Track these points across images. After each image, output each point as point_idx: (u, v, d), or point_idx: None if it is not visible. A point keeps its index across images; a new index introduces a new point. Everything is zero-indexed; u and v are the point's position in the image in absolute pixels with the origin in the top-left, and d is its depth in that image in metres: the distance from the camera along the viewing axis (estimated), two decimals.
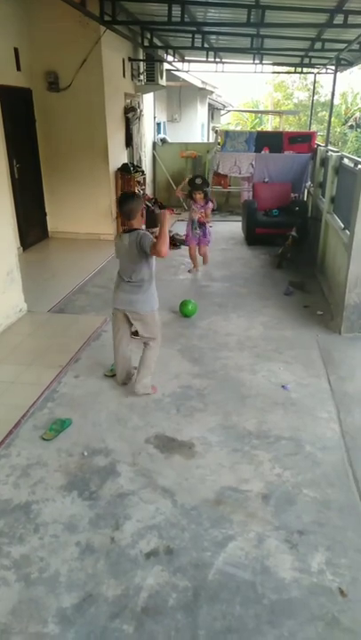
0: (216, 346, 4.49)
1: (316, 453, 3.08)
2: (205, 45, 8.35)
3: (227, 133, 9.41)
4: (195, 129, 14.39)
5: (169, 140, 11.60)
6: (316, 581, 2.24)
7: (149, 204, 9.09)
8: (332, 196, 6.25)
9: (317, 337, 4.69)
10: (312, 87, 12.94)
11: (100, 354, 4.27)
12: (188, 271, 6.60)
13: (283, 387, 3.82)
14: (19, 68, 6.74)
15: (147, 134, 10.33)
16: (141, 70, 8.91)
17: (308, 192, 8.82)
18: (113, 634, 2.00)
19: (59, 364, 4.04)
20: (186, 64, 10.82)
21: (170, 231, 8.66)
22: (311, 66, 10.06)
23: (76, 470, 2.90)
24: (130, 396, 3.66)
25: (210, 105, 17.02)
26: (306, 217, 7.86)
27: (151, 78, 9.06)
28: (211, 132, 16.56)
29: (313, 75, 11.43)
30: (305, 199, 8.93)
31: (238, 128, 22.93)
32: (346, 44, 7.06)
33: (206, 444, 3.15)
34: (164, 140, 11.33)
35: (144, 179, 9.22)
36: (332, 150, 7.23)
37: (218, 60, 10.05)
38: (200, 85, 13.07)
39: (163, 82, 9.43)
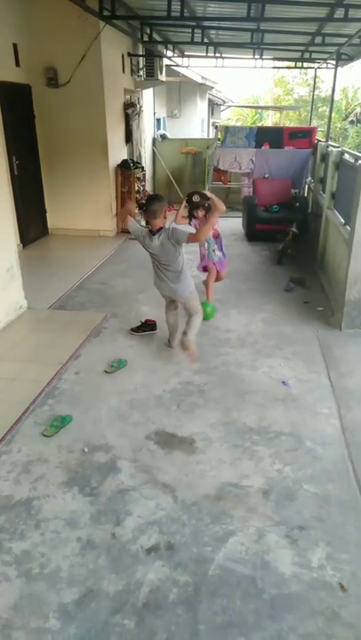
0: (217, 342, 4.49)
1: (316, 449, 3.09)
2: (205, 40, 8.31)
3: (227, 129, 9.38)
4: (195, 125, 14.35)
5: (169, 136, 11.56)
6: (316, 576, 2.25)
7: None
8: (332, 191, 6.23)
9: (318, 333, 4.69)
10: (312, 82, 12.88)
11: (101, 350, 4.28)
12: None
13: (283, 383, 3.82)
14: (18, 64, 6.71)
15: (146, 130, 10.30)
16: (141, 66, 8.88)
17: (309, 188, 8.80)
18: (114, 629, 2.01)
19: (59, 361, 4.04)
20: (186, 59, 10.77)
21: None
22: (312, 61, 10.02)
23: (77, 466, 2.90)
24: (130, 393, 3.67)
25: (210, 100, 16.96)
26: (306, 213, 7.85)
27: (151, 74, 9.03)
28: (211, 127, 16.51)
29: (313, 70, 11.38)
30: (305, 195, 8.91)
31: (238, 124, 22.84)
32: (346, 39, 7.03)
33: (207, 440, 3.15)
34: (163, 136, 11.30)
35: (144, 175, 9.19)
36: (332, 146, 7.20)
37: (218, 55, 10.01)
38: (200, 81, 13.02)
39: (162, 77, 9.39)
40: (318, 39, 7.56)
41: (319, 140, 8.65)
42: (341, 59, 8.74)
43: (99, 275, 6.27)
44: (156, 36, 8.63)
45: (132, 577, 2.23)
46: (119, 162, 8.10)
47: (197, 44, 8.28)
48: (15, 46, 6.60)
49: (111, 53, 7.45)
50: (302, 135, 9.02)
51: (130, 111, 8.58)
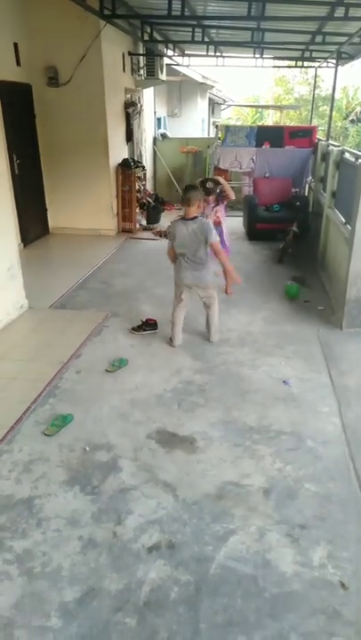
0: (217, 341, 4.49)
1: (317, 448, 3.09)
2: (206, 39, 8.29)
3: (227, 128, 9.37)
4: (195, 124, 14.33)
5: (169, 135, 11.55)
6: (317, 575, 2.25)
7: (150, 201, 9.08)
8: (333, 190, 6.22)
9: (318, 332, 4.69)
10: (313, 81, 12.85)
11: (102, 349, 4.28)
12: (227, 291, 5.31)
13: (284, 382, 3.82)
14: (18, 64, 6.71)
15: (147, 129, 10.29)
16: (141, 65, 8.87)
17: (310, 187, 8.79)
18: (115, 627, 2.02)
19: (60, 360, 4.04)
20: (186, 58, 10.76)
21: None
22: (312, 60, 10.00)
23: (78, 465, 2.91)
24: (131, 392, 3.68)
25: (210, 100, 16.93)
26: (307, 212, 7.84)
27: (151, 73, 9.01)
28: (211, 126, 16.48)
29: (314, 69, 11.36)
30: (306, 194, 8.90)
31: (239, 123, 22.82)
32: (347, 37, 7.01)
33: (207, 439, 3.16)
34: (164, 135, 11.29)
35: (144, 174, 9.19)
36: (333, 145, 7.19)
37: (218, 54, 9.99)
38: (200, 80, 13.00)
39: (163, 76, 9.38)
40: (319, 38, 7.54)
41: (320, 140, 8.64)
42: (342, 58, 8.73)
43: (100, 274, 6.28)
44: (156, 35, 8.62)
45: (133, 576, 2.23)
46: (120, 161, 8.09)
47: (198, 43, 8.26)
48: (16, 45, 6.60)
49: (112, 52, 7.44)
50: (303, 134, 9.01)
51: (130, 110, 8.58)
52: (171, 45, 9.64)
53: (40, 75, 7.12)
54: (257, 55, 9.72)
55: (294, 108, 22.26)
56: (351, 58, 8.89)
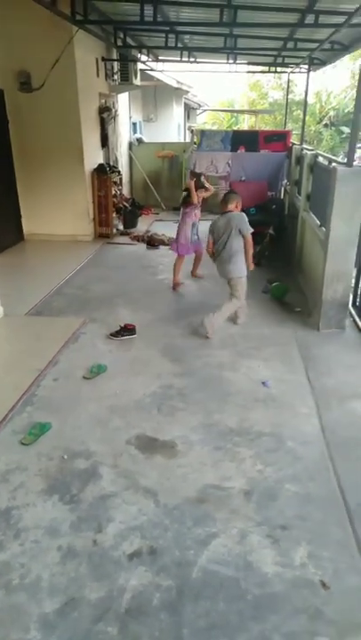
0: (197, 345, 4.49)
1: (296, 448, 3.11)
2: (179, 45, 8.34)
3: (203, 133, 9.43)
4: (171, 128, 14.39)
5: (145, 140, 11.57)
6: (298, 575, 2.26)
7: (127, 205, 9.06)
8: (307, 193, 6.32)
9: (296, 333, 4.74)
10: (286, 86, 13.04)
11: (80, 356, 4.24)
12: (173, 288, 5.96)
13: (263, 383, 3.85)
14: None
15: (123, 134, 10.29)
16: (115, 70, 8.86)
17: (285, 190, 8.91)
18: (97, 637, 1.98)
19: (37, 368, 3.99)
20: (160, 64, 10.80)
21: (148, 231, 8.66)
22: (285, 65, 10.16)
23: (57, 474, 2.86)
24: (110, 398, 3.64)
25: (186, 105, 17.04)
26: (283, 215, 7.94)
27: (125, 78, 9.02)
28: (187, 131, 16.58)
29: (287, 74, 11.54)
30: (282, 197, 9.01)
31: (215, 127, 23.03)
32: (318, 44, 7.15)
33: (188, 443, 3.15)
34: (140, 140, 11.30)
35: (121, 179, 9.18)
36: (306, 149, 7.31)
37: (192, 59, 10.06)
38: (175, 85, 13.06)
39: (137, 82, 9.39)
40: (290, 44, 7.67)
41: (294, 144, 8.77)
42: (314, 63, 8.89)
43: (76, 279, 6.22)
44: (129, 41, 8.63)
45: (114, 583, 2.21)
46: (95, 166, 8.06)
47: (171, 49, 8.30)
48: None
49: (85, 58, 7.42)
50: (277, 138, 9.13)
51: (105, 115, 8.56)
52: (145, 51, 9.66)
53: (12, 80, 7.05)
54: (230, 61, 9.83)
55: (269, 112, 22.59)
56: (323, 63, 9.06)
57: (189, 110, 18.62)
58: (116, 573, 2.25)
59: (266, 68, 11.55)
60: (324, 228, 4.89)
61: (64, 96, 7.12)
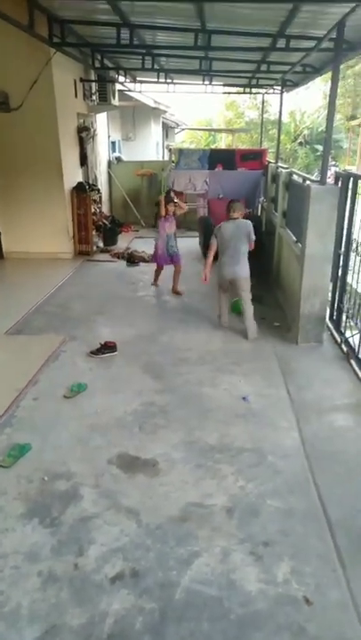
0: (177, 361, 4.51)
1: (277, 463, 3.13)
2: (156, 67, 8.52)
3: (180, 151, 9.59)
4: (150, 147, 14.59)
5: (124, 159, 11.69)
6: (281, 591, 2.26)
7: (107, 223, 9.11)
8: (283, 210, 6.46)
9: (275, 348, 4.80)
10: (261, 106, 13.41)
11: (60, 375, 4.20)
12: (152, 284, 6.71)
13: (243, 398, 3.87)
14: None
15: (101, 153, 10.38)
16: (94, 90, 8.98)
17: (262, 207, 9.08)
18: None
19: (16, 387, 3.94)
20: (138, 84, 10.99)
21: (128, 248, 8.70)
22: (259, 86, 10.44)
23: (37, 496, 2.82)
24: (91, 417, 3.62)
25: (164, 124, 17.32)
26: (260, 231, 8.04)
27: (104, 98, 9.14)
28: (165, 150, 16.82)
29: (262, 95, 11.87)
30: (259, 214, 9.18)
31: (193, 146, 23.40)
32: (290, 66, 7.39)
33: (170, 461, 3.14)
34: (119, 159, 11.41)
35: (100, 197, 9.22)
36: (282, 167, 7.49)
37: (169, 80, 10.27)
38: (153, 105, 13.29)
39: (115, 102, 9.53)
40: (264, 67, 7.90)
41: (270, 162, 8.98)
42: (287, 85, 9.18)
43: (57, 297, 6.20)
44: (107, 63, 8.77)
45: (96, 608, 2.17)
46: (75, 184, 8.09)
47: (148, 71, 8.47)
48: None
49: (63, 79, 7.51)
50: (253, 157, 9.35)
51: (84, 135, 8.64)
52: (122, 72, 9.83)
53: None
54: (206, 82, 10.06)
55: (245, 131, 23.10)
56: (295, 85, 9.35)
57: (167, 129, 18.92)
58: (97, 597, 2.22)
59: (241, 89, 11.86)
60: (300, 244, 4.99)
61: (43, 116, 7.18)
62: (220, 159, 9.30)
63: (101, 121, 10.32)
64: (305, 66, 7.31)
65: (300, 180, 5.77)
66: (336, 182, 4.82)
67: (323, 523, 2.65)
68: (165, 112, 15.99)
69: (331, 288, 5.02)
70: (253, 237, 5.03)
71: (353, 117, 23.97)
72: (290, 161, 22.97)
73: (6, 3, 5.05)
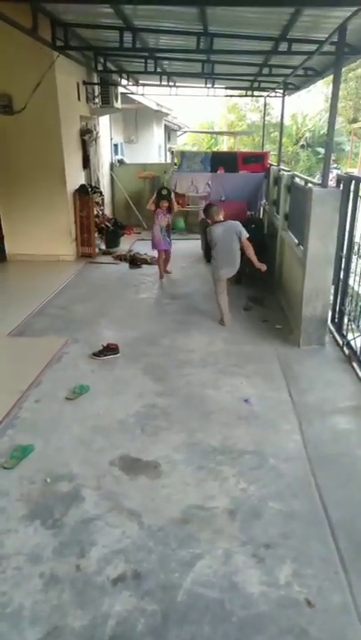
0: (179, 363, 4.51)
1: (279, 465, 3.13)
2: (158, 70, 8.56)
3: (183, 154, 9.62)
4: (152, 150, 14.62)
5: (127, 161, 11.72)
6: (283, 594, 2.26)
7: (109, 225, 9.13)
8: (285, 213, 6.47)
9: (277, 350, 4.80)
10: (263, 109, 13.43)
11: (62, 376, 4.21)
12: (160, 277, 7.14)
13: (245, 401, 3.87)
14: None
15: (104, 155, 10.41)
16: (96, 93, 9.02)
17: (264, 210, 9.09)
18: None
19: (19, 389, 3.95)
20: (140, 87, 11.03)
21: (130, 250, 8.72)
22: (261, 89, 10.48)
23: (39, 498, 2.82)
24: (93, 419, 3.62)
25: (166, 126, 17.36)
26: (262, 234, 8.08)
27: (106, 101, 9.18)
28: (168, 152, 16.86)
29: (264, 97, 11.89)
30: (261, 217, 9.19)
31: (195, 149, 23.46)
32: (292, 70, 7.41)
33: (171, 463, 3.14)
34: (121, 161, 11.44)
35: (102, 199, 9.26)
36: (284, 169, 7.50)
37: (171, 83, 10.31)
38: (155, 108, 13.32)
39: (118, 105, 9.56)
40: (266, 70, 7.93)
41: (271, 164, 8.99)
42: (288, 88, 9.20)
43: (59, 300, 6.21)
44: (110, 66, 8.81)
45: (98, 610, 2.17)
46: (77, 187, 8.12)
47: (151, 74, 8.51)
48: None
49: (66, 82, 7.54)
50: (255, 159, 9.36)
51: (87, 137, 8.67)
52: (125, 75, 9.87)
53: None
54: (209, 85, 10.10)
55: (247, 134, 23.14)
56: (297, 88, 9.37)
57: (170, 132, 18.96)
58: (99, 599, 2.22)
59: (243, 92, 11.89)
60: (302, 247, 5.00)
61: (46, 119, 7.21)
62: (222, 162, 9.32)
63: (104, 124, 10.36)
64: (307, 69, 7.33)
65: (302, 183, 5.78)
66: (338, 185, 4.82)
67: (325, 525, 2.65)
68: (168, 115, 16.03)
69: (333, 290, 5.02)
70: (246, 234, 5.15)
71: (355, 120, 24.02)
72: (292, 164, 22.99)
73: (10, 6, 5.09)
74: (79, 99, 8.32)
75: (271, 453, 3.24)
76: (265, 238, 7.91)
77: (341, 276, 4.96)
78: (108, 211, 10.30)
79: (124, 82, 10.13)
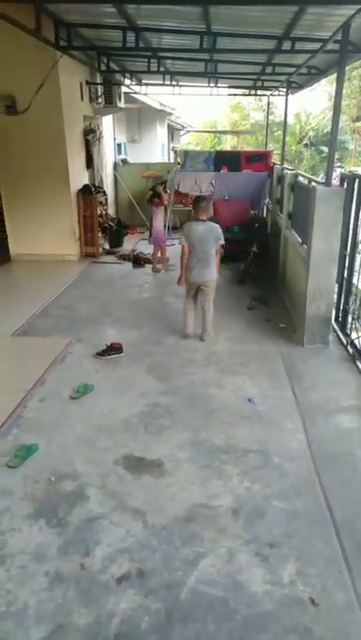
0: (182, 362, 4.52)
1: (283, 464, 3.13)
2: (161, 69, 8.54)
3: (186, 153, 9.61)
4: (155, 149, 14.62)
5: (130, 161, 11.72)
6: (287, 593, 2.26)
7: (113, 225, 9.14)
8: (289, 212, 6.46)
9: (281, 349, 4.79)
10: (267, 108, 13.41)
11: (66, 376, 4.22)
12: (166, 270, 7.54)
13: (249, 400, 3.87)
14: None
15: (107, 155, 10.42)
16: (100, 93, 9.03)
17: (267, 209, 9.08)
18: None
19: (23, 389, 3.96)
20: (144, 87, 11.02)
21: (134, 250, 8.73)
22: (264, 88, 10.44)
23: (43, 497, 2.84)
24: (97, 418, 3.63)
25: (169, 126, 17.36)
26: (266, 233, 8.07)
27: (110, 101, 9.19)
28: (171, 152, 16.85)
29: (267, 97, 11.87)
30: (264, 216, 9.18)
31: (198, 148, 23.44)
32: (295, 68, 7.39)
33: (175, 462, 3.15)
34: (125, 161, 11.45)
35: (106, 199, 9.27)
36: (287, 168, 7.49)
37: (174, 83, 10.30)
38: (158, 107, 13.33)
39: (121, 104, 9.57)
40: (269, 69, 7.90)
41: (275, 163, 8.98)
42: (292, 87, 9.16)
43: (63, 299, 6.23)
44: (113, 66, 8.81)
45: (102, 608, 2.18)
46: (81, 187, 8.14)
47: (154, 73, 8.49)
48: None
49: (69, 82, 7.55)
50: (258, 158, 9.33)
51: (90, 137, 8.68)
52: (128, 75, 9.87)
53: None
54: (212, 84, 10.08)
55: (250, 133, 23.10)
56: (300, 87, 9.34)
57: (173, 131, 18.96)
58: (104, 598, 2.23)
59: (246, 91, 11.87)
60: (305, 246, 4.99)
61: (49, 119, 7.23)
62: (225, 161, 9.30)
63: (107, 123, 10.37)
64: (310, 67, 7.30)
65: (306, 182, 5.77)
66: (342, 184, 4.81)
67: (329, 524, 2.65)
68: (171, 114, 16.03)
69: (337, 289, 5.01)
70: (223, 241, 4.80)
71: (358, 119, 23.92)
72: (295, 162, 22.93)
73: (13, 7, 5.10)
74: (82, 99, 8.33)
75: (275, 452, 3.24)
76: (268, 237, 7.91)
77: (345, 275, 4.95)
78: (111, 210, 10.31)
79: (127, 81, 10.13)
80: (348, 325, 4.93)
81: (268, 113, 12.95)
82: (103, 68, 8.32)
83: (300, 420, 3.62)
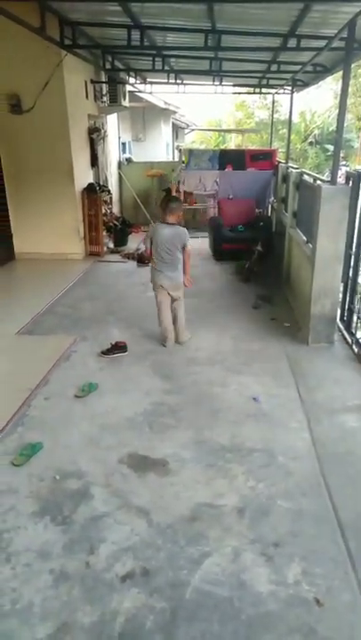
0: (187, 361, 4.51)
1: (288, 464, 3.12)
2: (166, 68, 8.53)
3: (190, 152, 9.60)
4: (160, 148, 14.60)
5: (134, 160, 11.72)
6: (292, 593, 2.25)
7: (117, 224, 9.14)
8: (294, 210, 6.43)
9: (286, 348, 4.78)
10: (272, 106, 13.36)
11: (71, 374, 4.23)
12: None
13: (253, 399, 3.86)
14: None
15: (112, 154, 10.42)
16: (104, 92, 9.02)
17: (272, 207, 9.05)
18: None
19: (28, 387, 3.97)
20: (148, 85, 11.01)
21: (138, 248, 8.73)
22: (269, 86, 10.40)
23: (48, 495, 2.84)
24: (101, 416, 3.63)
25: (174, 124, 17.33)
26: (270, 232, 8.05)
27: (114, 99, 9.18)
28: (175, 150, 16.83)
29: (272, 95, 11.82)
30: (269, 214, 9.15)
31: (203, 146, 23.41)
32: (300, 66, 7.35)
33: (180, 461, 3.14)
34: (129, 160, 11.44)
35: (110, 198, 9.27)
36: (292, 167, 7.46)
37: (179, 81, 10.28)
38: (163, 106, 13.31)
39: (126, 103, 9.56)
40: (274, 67, 7.87)
41: (280, 162, 8.95)
42: (297, 85, 9.13)
43: (67, 298, 6.24)
44: (117, 64, 8.81)
45: (107, 606, 2.18)
46: (85, 185, 8.14)
47: (158, 72, 8.48)
48: None
49: (74, 80, 7.56)
50: (263, 157, 9.32)
51: (95, 136, 8.68)
52: (132, 73, 9.87)
53: (2, 102, 7.14)
54: (216, 82, 10.05)
55: (255, 131, 23.04)
56: (306, 85, 9.30)
57: (177, 130, 18.92)
58: (108, 596, 2.23)
59: (251, 90, 11.83)
60: (310, 245, 4.97)
61: (54, 117, 7.23)
62: (230, 159, 9.29)
63: (112, 122, 10.37)
64: (316, 65, 7.27)
65: (311, 180, 5.75)
66: (347, 182, 4.78)
67: (334, 524, 2.64)
68: (175, 113, 16.00)
69: (342, 288, 4.99)
70: (190, 245, 4.59)
71: None
72: (300, 161, 22.85)
73: (18, 6, 5.10)
74: (87, 97, 8.33)
75: (280, 451, 3.23)
76: (273, 236, 7.89)
77: (351, 274, 4.92)
78: (116, 209, 10.31)
79: (131, 80, 10.12)
80: (354, 324, 4.91)
81: (273, 111, 12.89)
82: (108, 66, 8.33)
83: (304, 419, 3.61)
